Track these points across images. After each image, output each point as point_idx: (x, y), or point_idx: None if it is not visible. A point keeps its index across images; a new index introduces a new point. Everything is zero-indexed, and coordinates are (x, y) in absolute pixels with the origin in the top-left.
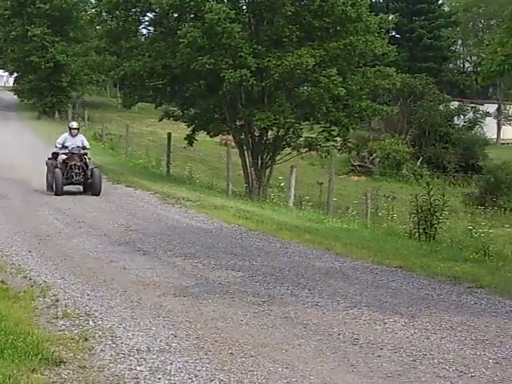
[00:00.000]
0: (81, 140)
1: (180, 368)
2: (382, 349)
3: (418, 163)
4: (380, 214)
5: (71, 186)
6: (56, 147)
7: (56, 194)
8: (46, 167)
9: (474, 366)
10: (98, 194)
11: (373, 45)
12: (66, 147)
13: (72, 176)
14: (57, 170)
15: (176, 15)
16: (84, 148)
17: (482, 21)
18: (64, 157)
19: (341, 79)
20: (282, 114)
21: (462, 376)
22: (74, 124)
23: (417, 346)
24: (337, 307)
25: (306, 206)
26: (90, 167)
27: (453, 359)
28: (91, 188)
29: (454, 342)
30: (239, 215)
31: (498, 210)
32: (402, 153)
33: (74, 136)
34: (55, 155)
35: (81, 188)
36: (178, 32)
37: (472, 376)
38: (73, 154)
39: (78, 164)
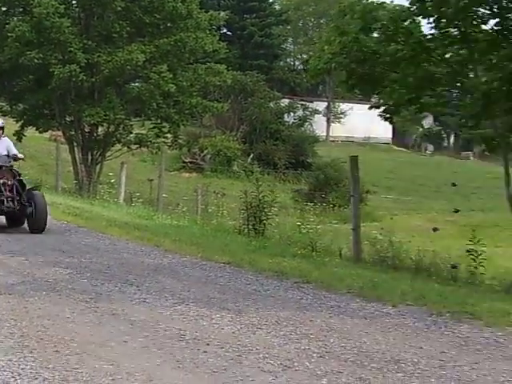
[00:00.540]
0: (6, 146)
1: (3, 366)
2: (208, 344)
3: (249, 160)
4: (210, 210)
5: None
6: None
7: None
8: None
9: (299, 360)
10: (42, 230)
11: (203, 41)
12: None
13: (2, 201)
14: None
15: (4, 9)
16: (15, 158)
17: (312, 19)
18: None
19: (171, 76)
20: (112, 110)
21: (287, 370)
22: None
23: (243, 341)
24: (164, 303)
25: (136, 202)
26: (26, 187)
27: (278, 354)
28: (31, 220)
29: (279, 336)
30: (68, 212)
31: (326, 206)
32: (233, 149)
33: None
34: None
35: (4, 220)
36: (6, 26)
37: (296, 370)
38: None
39: (9, 183)
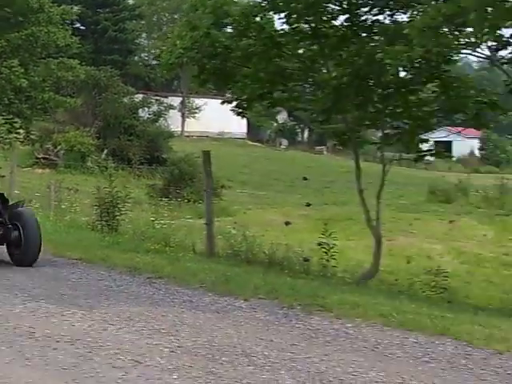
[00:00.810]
0: None
1: None
2: (58, 341)
3: (103, 155)
4: (63, 206)
5: None
6: None
7: None
8: None
9: (150, 356)
10: (32, 262)
11: (55, 36)
12: None
13: None
14: None
15: None
16: None
17: (167, 14)
18: None
19: (23, 70)
20: None
21: (137, 365)
22: None
23: (94, 337)
24: (14, 301)
25: None
26: (8, 203)
27: (129, 349)
28: (16, 248)
29: (131, 332)
30: None
31: (181, 202)
32: (87, 145)
33: None
34: None
35: None
36: None
37: (147, 365)
38: None
39: None
